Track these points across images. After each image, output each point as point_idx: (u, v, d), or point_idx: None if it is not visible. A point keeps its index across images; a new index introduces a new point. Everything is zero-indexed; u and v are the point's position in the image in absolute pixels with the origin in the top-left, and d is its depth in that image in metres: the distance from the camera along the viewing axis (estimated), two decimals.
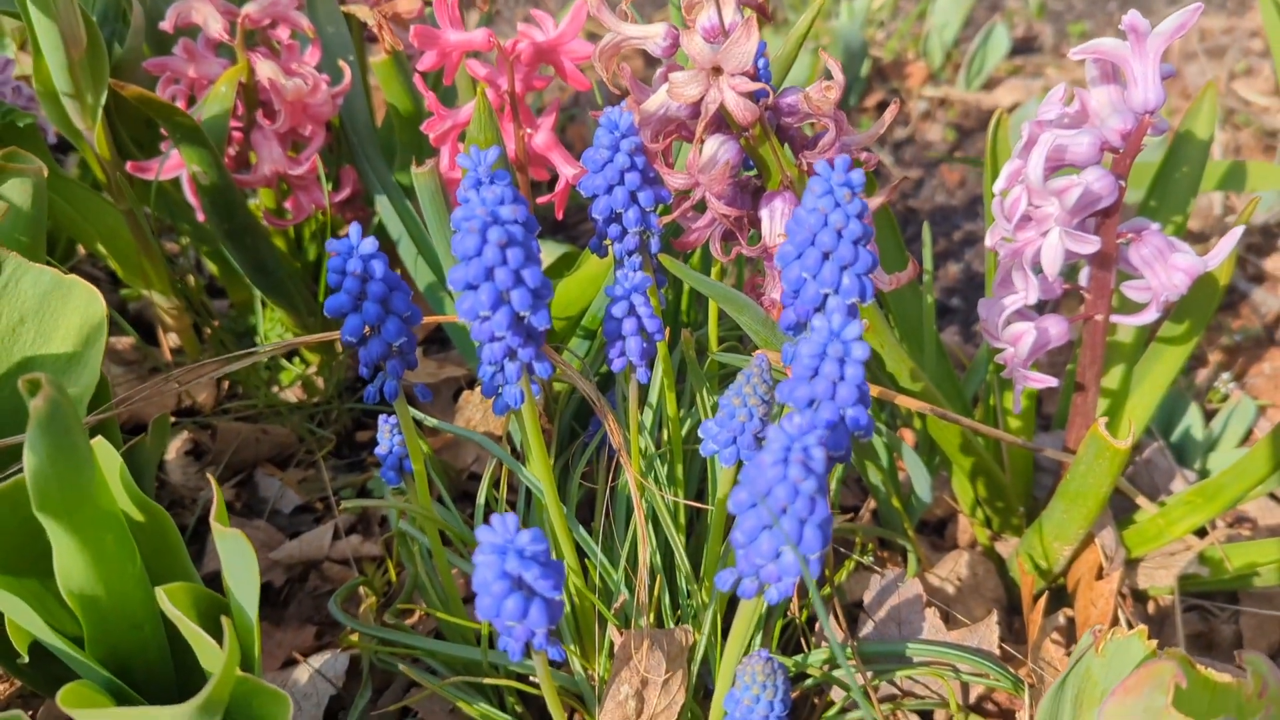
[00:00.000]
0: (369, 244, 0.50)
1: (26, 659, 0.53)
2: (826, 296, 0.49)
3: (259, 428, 0.88)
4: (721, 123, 0.57)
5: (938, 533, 0.88)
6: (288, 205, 0.83)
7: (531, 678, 0.64)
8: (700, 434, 0.55)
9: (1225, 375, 1.00)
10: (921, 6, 1.71)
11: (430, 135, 0.68)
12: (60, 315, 0.60)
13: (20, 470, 0.52)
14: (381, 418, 0.63)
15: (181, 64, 0.76)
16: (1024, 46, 1.78)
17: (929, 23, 1.63)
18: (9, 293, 0.58)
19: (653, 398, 0.70)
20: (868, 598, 0.69)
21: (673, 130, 0.58)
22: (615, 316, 0.55)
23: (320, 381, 0.94)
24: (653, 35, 0.56)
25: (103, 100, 0.74)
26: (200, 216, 0.79)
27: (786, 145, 0.60)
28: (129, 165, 0.77)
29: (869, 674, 0.64)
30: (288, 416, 0.90)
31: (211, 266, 0.95)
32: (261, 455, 0.89)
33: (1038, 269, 0.63)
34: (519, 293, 0.48)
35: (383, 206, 0.83)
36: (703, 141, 0.55)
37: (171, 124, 0.69)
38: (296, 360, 0.95)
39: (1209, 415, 0.96)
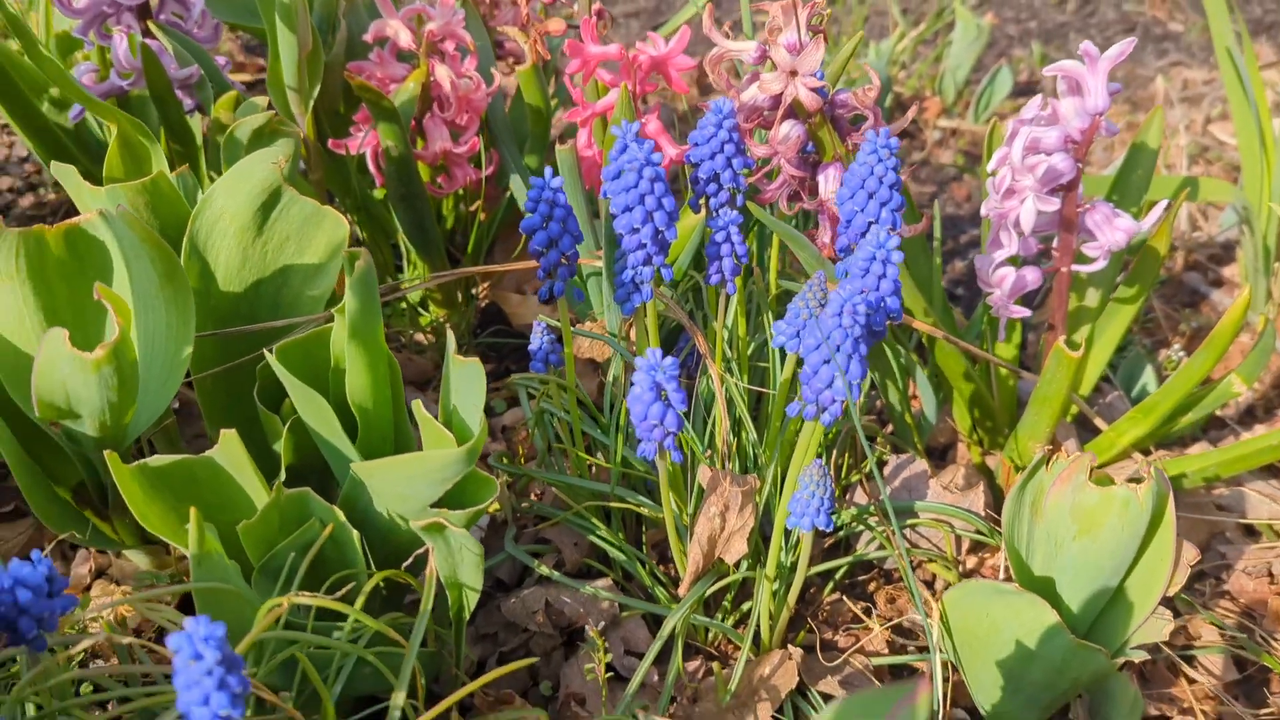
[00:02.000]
0: (558, 181, 0.74)
1: (285, 470, 0.76)
2: (870, 224, 0.72)
3: (405, 355, 1.12)
4: (792, 112, 0.81)
5: (940, 457, 1.10)
6: (440, 180, 1.07)
7: (642, 507, 0.85)
8: (772, 330, 0.78)
9: (1177, 347, 1.23)
10: (938, 51, 1.96)
11: (575, 120, 0.92)
12: (314, 236, 0.83)
13: (307, 330, 0.75)
14: (535, 322, 0.86)
15: (374, 67, 1.01)
16: (1026, 89, 2.03)
17: (944, 64, 1.88)
18: (282, 217, 0.82)
19: (727, 323, 0.93)
20: (886, 472, 0.91)
21: (756, 117, 0.81)
22: (716, 242, 0.79)
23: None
24: (747, 49, 0.80)
25: (315, 93, 0.99)
26: (379, 183, 1.02)
27: (836, 131, 0.83)
28: (330, 142, 1.01)
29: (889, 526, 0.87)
30: (426, 349, 1.13)
31: (361, 232, 1.19)
32: (406, 378, 1.12)
33: (1018, 229, 0.86)
34: (660, 214, 0.72)
35: (515, 183, 1.07)
36: (781, 123, 0.79)
37: (377, 107, 0.93)
38: (430, 310, 1.19)
39: (1162, 378, 1.18)
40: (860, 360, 0.65)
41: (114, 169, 0.77)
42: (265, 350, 0.68)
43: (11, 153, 1.45)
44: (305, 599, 0.61)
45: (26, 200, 1.36)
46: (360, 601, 0.66)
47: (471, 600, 0.71)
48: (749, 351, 0.94)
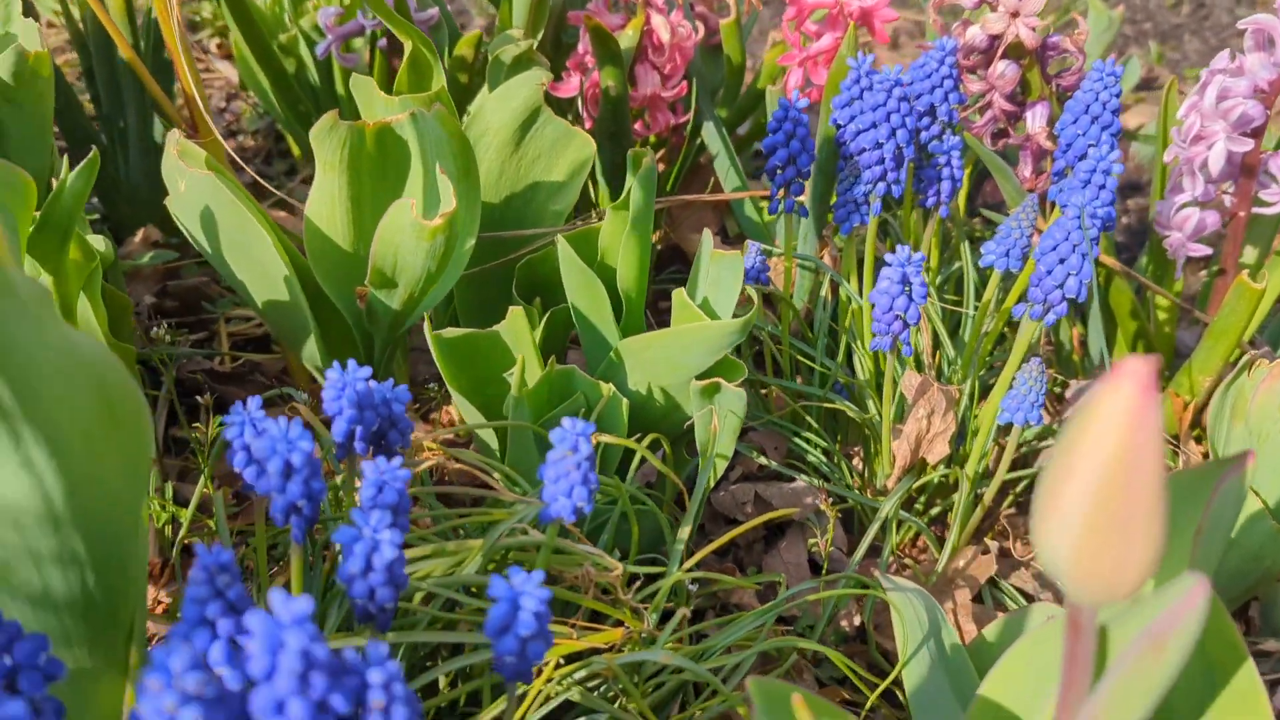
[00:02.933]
0: (803, 102, 0.83)
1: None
2: (1090, 147, 0.80)
3: None
4: (1006, 53, 0.89)
5: None
6: (639, 125, 1.17)
7: (849, 409, 0.93)
8: (981, 251, 0.86)
9: None
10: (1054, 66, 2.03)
11: (788, 64, 1.00)
12: (562, 154, 0.92)
13: (565, 232, 0.85)
14: (750, 242, 0.95)
15: (595, 15, 1.10)
16: (1145, 85, 2.08)
17: None
18: (537, 135, 0.91)
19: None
20: (1068, 394, 0.98)
21: (974, 56, 0.89)
22: (936, 165, 0.87)
23: None
24: None
25: (539, 38, 1.08)
26: (588, 124, 1.12)
27: (1042, 72, 0.91)
28: (549, 85, 1.10)
29: None
30: None
31: None
32: None
33: (1205, 172, 0.93)
34: (902, 131, 0.80)
35: (707, 131, 1.15)
36: (999, 60, 0.87)
37: (604, 49, 1.03)
38: None
39: None
40: (1090, 261, 0.73)
41: (402, 85, 0.87)
42: (559, 236, 0.77)
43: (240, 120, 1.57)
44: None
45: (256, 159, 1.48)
46: (635, 463, 0.75)
47: (720, 468, 0.79)
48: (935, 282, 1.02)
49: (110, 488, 0.48)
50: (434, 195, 0.79)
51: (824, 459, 0.93)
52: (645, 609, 0.67)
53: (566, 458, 0.57)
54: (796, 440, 0.94)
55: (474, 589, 0.62)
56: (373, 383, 0.60)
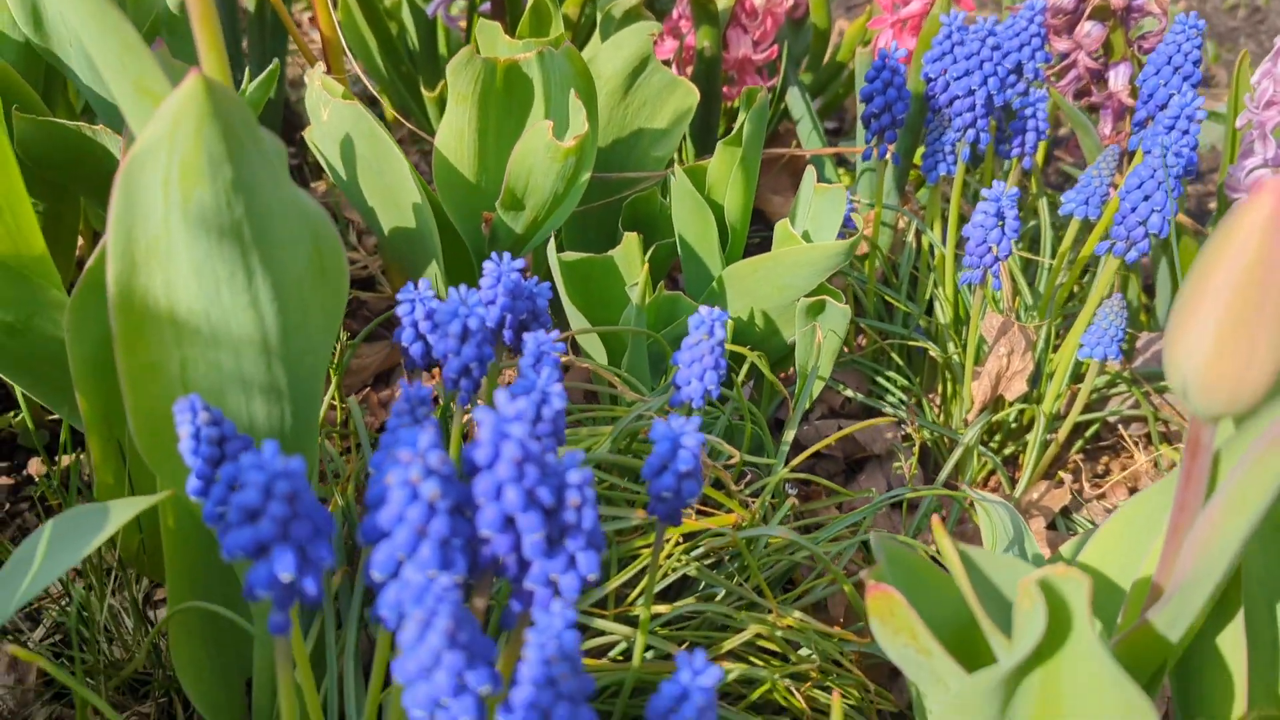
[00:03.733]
0: (901, 53, 0.88)
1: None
2: (1171, 96, 0.85)
3: None
4: (1091, 14, 0.94)
5: None
6: (727, 90, 1.23)
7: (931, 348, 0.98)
8: (1061, 200, 0.91)
9: None
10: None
11: (877, 28, 1.06)
12: (666, 103, 0.98)
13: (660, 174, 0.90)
14: (846, 190, 1.00)
15: None
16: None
17: None
18: (644, 84, 0.97)
19: None
20: (1138, 345, 1.03)
21: (1060, 18, 0.95)
22: (1023, 117, 0.92)
23: None
24: None
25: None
26: None
27: (1125, 34, 0.96)
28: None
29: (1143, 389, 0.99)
30: None
31: None
32: None
33: (1277, 136, 0.98)
34: (994, 79, 0.86)
35: (792, 96, 1.21)
36: (1086, 21, 0.92)
37: (704, 11, 1.09)
38: None
39: None
40: (1173, 198, 0.78)
41: (523, 30, 0.93)
42: (675, 166, 0.83)
43: None
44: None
45: None
46: (743, 370, 0.80)
47: (817, 389, 0.84)
48: None
49: (312, 334, 0.54)
50: (560, 127, 0.86)
51: (904, 397, 0.99)
52: (753, 502, 0.73)
53: (701, 342, 0.63)
54: (878, 380, 1.00)
55: (603, 466, 0.68)
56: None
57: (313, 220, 0.52)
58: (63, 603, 0.77)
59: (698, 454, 0.53)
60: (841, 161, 1.22)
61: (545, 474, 0.44)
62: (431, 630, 0.39)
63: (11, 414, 0.93)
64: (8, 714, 0.72)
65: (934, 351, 0.96)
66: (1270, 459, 0.39)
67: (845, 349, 1.04)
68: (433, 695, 0.40)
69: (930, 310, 1.02)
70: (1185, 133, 0.80)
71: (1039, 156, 1.06)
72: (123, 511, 0.50)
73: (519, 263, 0.65)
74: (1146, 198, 0.78)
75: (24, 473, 0.92)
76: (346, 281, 0.55)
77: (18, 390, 0.83)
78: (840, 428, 0.99)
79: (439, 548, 0.41)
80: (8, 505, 0.88)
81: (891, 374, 0.99)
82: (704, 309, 0.62)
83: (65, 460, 0.85)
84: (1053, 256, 1.01)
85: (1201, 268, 0.38)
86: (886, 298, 0.99)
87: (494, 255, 0.64)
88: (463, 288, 0.57)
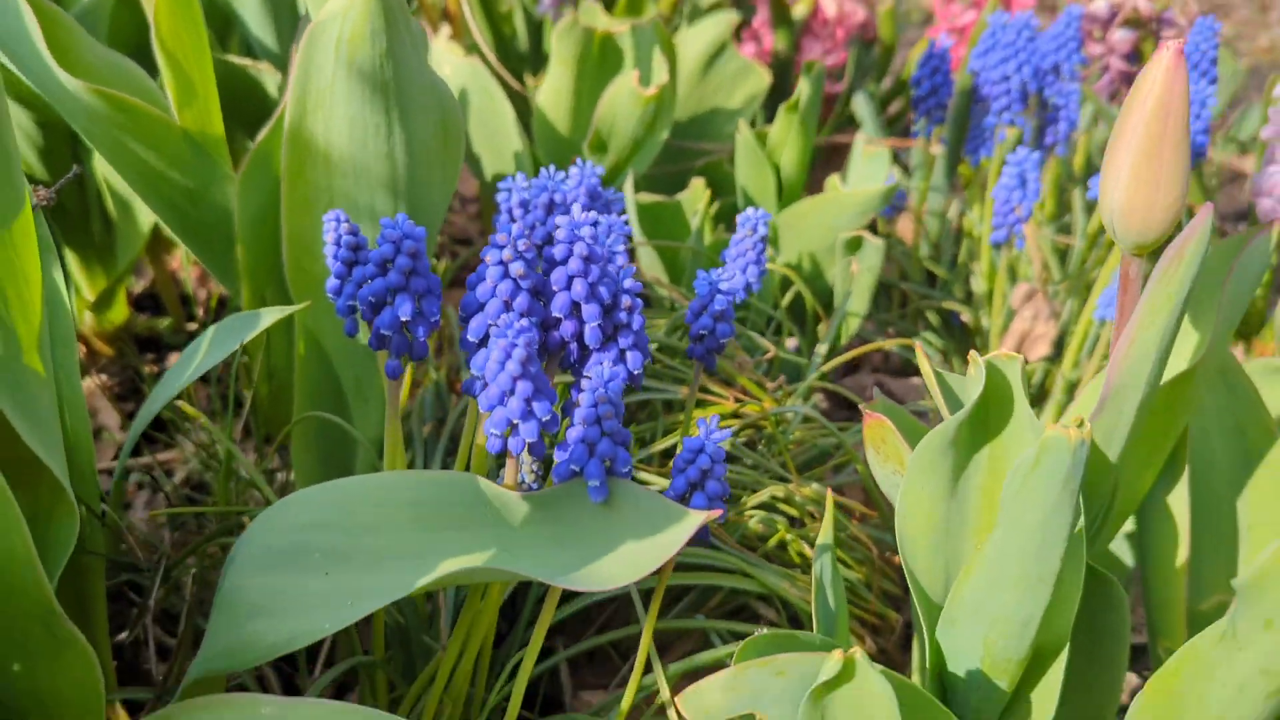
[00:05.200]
0: (949, 42, 1.00)
1: None
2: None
3: None
4: (1124, 22, 1.05)
5: None
6: None
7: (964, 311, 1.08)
8: (1088, 185, 1.01)
9: None
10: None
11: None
12: (740, 86, 1.12)
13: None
14: (888, 176, 1.12)
15: None
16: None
17: None
18: (721, 68, 1.11)
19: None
20: None
21: (1096, 26, 1.06)
22: (1056, 107, 1.03)
23: None
24: None
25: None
26: None
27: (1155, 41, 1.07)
28: None
29: None
30: None
31: None
32: None
33: None
34: (1028, 68, 0.97)
35: (857, 100, 1.34)
36: (1118, 28, 1.03)
37: (781, 15, 1.23)
38: None
39: None
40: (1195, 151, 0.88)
41: (619, 11, 1.08)
42: (740, 122, 0.96)
43: None
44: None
45: None
46: (788, 295, 0.92)
47: (853, 326, 0.96)
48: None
49: (432, 188, 0.68)
50: (645, 83, 0.99)
51: (940, 358, 1.09)
52: (784, 399, 0.84)
53: (746, 238, 0.75)
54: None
55: (661, 348, 0.80)
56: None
57: (443, 95, 0.66)
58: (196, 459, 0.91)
59: (730, 299, 0.65)
60: (897, 161, 1.34)
61: (605, 275, 0.57)
62: (511, 359, 0.52)
63: (160, 318, 1.09)
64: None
65: (966, 315, 1.06)
66: (1170, 274, 0.49)
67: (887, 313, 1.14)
68: (507, 416, 0.52)
69: (967, 282, 1.13)
70: (1197, 117, 0.91)
71: (1080, 154, 1.16)
72: (271, 315, 0.64)
73: (599, 169, 0.78)
74: None
75: (167, 364, 1.08)
76: (463, 150, 0.69)
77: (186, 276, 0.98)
78: (878, 382, 1.09)
79: (521, 313, 0.53)
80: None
81: (929, 335, 1.09)
82: (750, 210, 0.74)
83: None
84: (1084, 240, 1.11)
85: (1122, 113, 0.49)
86: (927, 266, 1.10)
87: (579, 160, 0.77)
88: (552, 168, 0.70)
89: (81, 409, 0.58)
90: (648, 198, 0.97)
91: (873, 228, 1.04)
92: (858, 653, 0.43)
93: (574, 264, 0.56)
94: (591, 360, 0.58)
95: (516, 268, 0.54)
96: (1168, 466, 0.64)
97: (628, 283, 0.58)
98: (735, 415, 0.79)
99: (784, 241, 0.97)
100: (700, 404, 0.79)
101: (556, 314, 0.56)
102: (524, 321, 0.52)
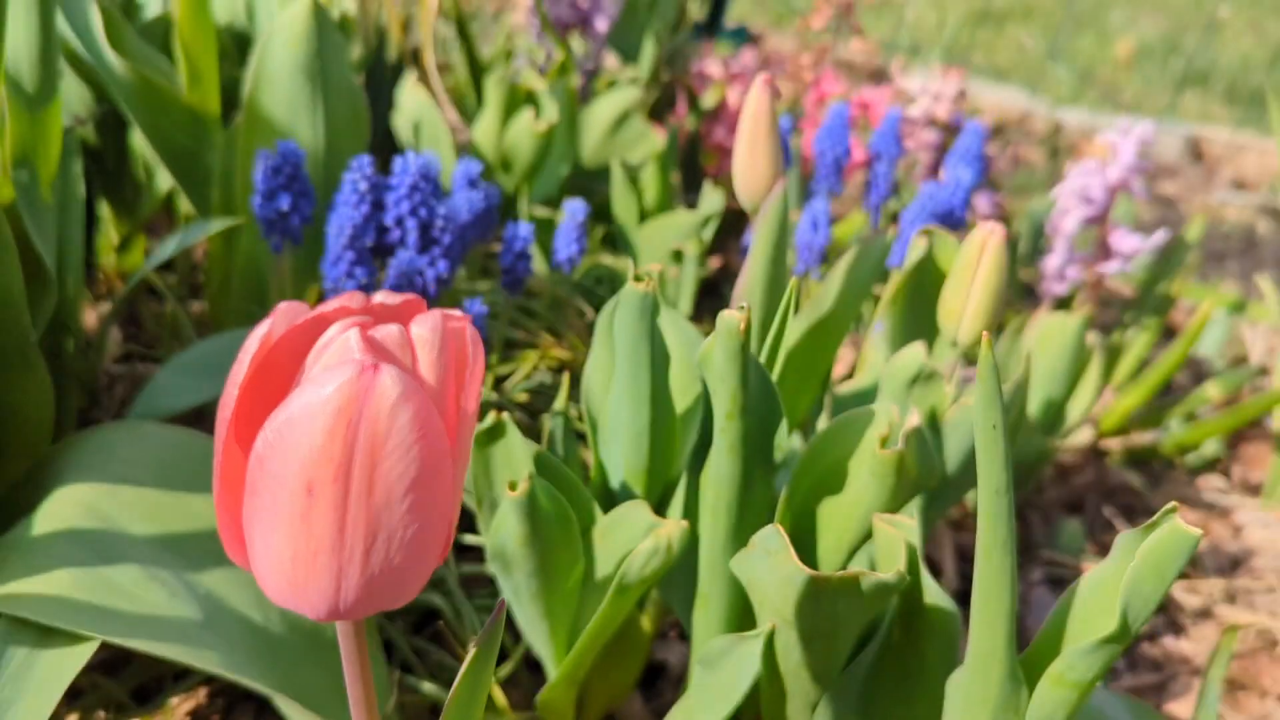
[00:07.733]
0: (788, 131, 1.30)
1: None
2: (959, 167, 1.24)
3: None
4: (931, 122, 1.34)
5: None
6: (709, 169, 1.66)
7: None
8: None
9: None
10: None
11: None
12: (640, 144, 1.42)
13: None
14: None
15: (694, 78, 1.63)
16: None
17: None
18: (626, 128, 1.42)
19: None
20: None
21: (911, 125, 1.35)
22: (878, 178, 1.32)
23: None
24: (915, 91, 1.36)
25: (649, 78, 1.61)
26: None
27: None
28: (654, 126, 1.63)
29: None
30: None
31: None
32: None
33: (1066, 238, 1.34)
34: (840, 146, 1.27)
35: None
36: (925, 128, 1.33)
37: (693, 103, 1.54)
38: None
39: None
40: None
41: (551, 76, 1.40)
42: (614, 162, 1.26)
43: None
44: None
45: None
46: None
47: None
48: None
49: (342, 154, 0.98)
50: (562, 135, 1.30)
51: None
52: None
53: (568, 221, 1.04)
54: None
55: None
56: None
57: (354, 90, 0.97)
58: None
59: (529, 241, 0.93)
60: None
61: (425, 201, 0.86)
62: (343, 235, 0.81)
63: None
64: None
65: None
66: (770, 212, 0.77)
67: None
68: (338, 276, 0.81)
69: None
70: (958, 186, 1.19)
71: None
72: (218, 224, 0.94)
73: (479, 164, 1.08)
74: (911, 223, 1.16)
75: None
76: (369, 131, 0.99)
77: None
78: None
79: (364, 218, 0.82)
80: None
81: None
82: (573, 201, 1.03)
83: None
84: None
85: (739, 123, 0.78)
86: None
87: (464, 155, 1.07)
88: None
89: (77, 229, 0.88)
90: (540, 211, 1.26)
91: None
92: (506, 416, 0.70)
93: (404, 189, 0.85)
94: (412, 258, 0.87)
95: (364, 185, 0.84)
96: (815, 401, 0.91)
97: (442, 209, 0.87)
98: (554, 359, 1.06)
99: (640, 250, 1.26)
100: (533, 348, 1.07)
101: (389, 222, 0.85)
102: (358, 215, 0.82)
